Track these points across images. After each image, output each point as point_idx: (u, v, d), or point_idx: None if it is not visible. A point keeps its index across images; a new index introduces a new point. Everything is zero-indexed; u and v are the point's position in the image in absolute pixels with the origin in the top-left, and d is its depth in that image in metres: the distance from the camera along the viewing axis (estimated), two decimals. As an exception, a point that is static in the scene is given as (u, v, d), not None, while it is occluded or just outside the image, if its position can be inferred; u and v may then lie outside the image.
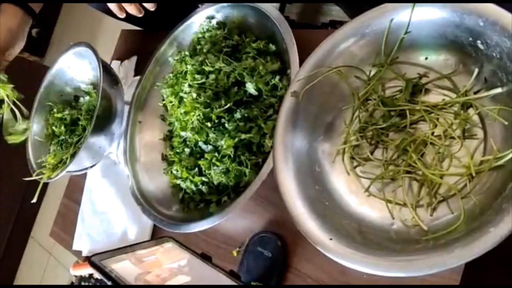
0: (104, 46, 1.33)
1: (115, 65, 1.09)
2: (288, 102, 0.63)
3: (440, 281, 0.52)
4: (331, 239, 0.52)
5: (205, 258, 0.61)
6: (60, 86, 1.01)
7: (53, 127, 0.97)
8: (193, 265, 0.60)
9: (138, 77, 0.95)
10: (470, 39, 0.51)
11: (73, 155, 0.87)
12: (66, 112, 0.97)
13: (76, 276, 2.11)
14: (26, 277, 2.34)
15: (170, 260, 0.61)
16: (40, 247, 2.31)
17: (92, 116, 0.83)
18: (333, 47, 0.61)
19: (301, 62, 0.65)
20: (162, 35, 0.90)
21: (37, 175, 0.92)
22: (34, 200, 0.91)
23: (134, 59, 1.06)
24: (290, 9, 1.49)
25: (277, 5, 1.42)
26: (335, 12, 1.27)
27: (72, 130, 0.96)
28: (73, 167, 0.86)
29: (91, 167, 0.93)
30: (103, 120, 0.84)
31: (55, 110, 0.98)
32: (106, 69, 0.86)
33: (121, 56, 1.11)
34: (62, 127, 0.96)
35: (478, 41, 0.50)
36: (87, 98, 0.96)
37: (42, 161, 0.93)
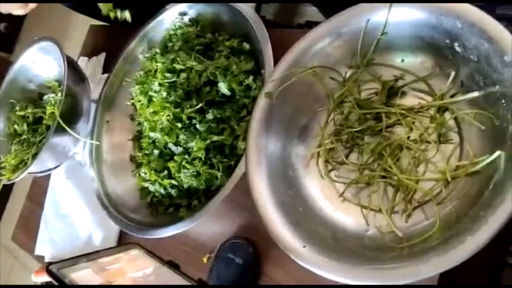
0: (74, 42, 1.28)
1: (82, 61, 1.04)
2: (262, 103, 0.60)
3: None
4: (304, 246, 0.50)
5: (173, 265, 0.58)
6: (23, 83, 0.96)
7: (15, 126, 0.92)
8: (159, 274, 0.57)
9: (106, 75, 0.91)
10: (447, 41, 0.50)
11: (34, 156, 0.82)
12: (29, 110, 0.92)
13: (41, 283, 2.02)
14: (-11, 282, 2.24)
15: (135, 268, 0.58)
16: (4, 251, 2.21)
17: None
18: (309, 47, 0.59)
19: (276, 62, 0.62)
20: (133, 32, 0.86)
21: (-4, 176, 0.87)
22: (-7, 203, 0.86)
23: (102, 56, 1.01)
24: (266, 9, 1.47)
25: (253, 4, 1.40)
26: (311, 12, 1.26)
27: (34, 129, 0.91)
28: (34, 168, 0.82)
29: (55, 168, 0.88)
30: (67, 119, 0.79)
31: (17, 107, 0.93)
32: (71, 65, 0.82)
33: (89, 52, 1.06)
34: (25, 126, 0.91)
35: (456, 43, 0.49)
36: (52, 95, 0.91)
37: (2, 162, 0.88)
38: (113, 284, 0.53)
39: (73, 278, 0.53)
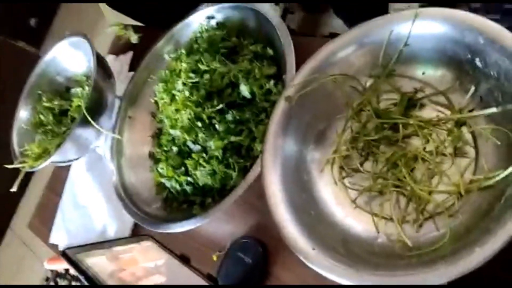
0: (102, 40, 1.32)
1: (110, 59, 1.07)
2: (281, 107, 0.61)
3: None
4: (314, 249, 0.51)
5: (183, 259, 0.59)
6: (51, 75, 0.99)
7: (41, 116, 0.95)
8: (170, 266, 0.58)
9: (132, 73, 0.94)
10: (469, 56, 0.50)
11: (58, 145, 0.85)
12: (56, 102, 0.95)
13: (51, 271, 2.06)
14: (1, 269, 2.28)
15: (147, 258, 0.59)
16: (17, 239, 2.26)
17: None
18: (331, 55, 0.60)
19: (298, 68, 0.64)
20: (160, 32, 0.89)
21: (20, 163, 0.89)
22: (14, 189, 0.88)
23: (129, 54, 1.04)
24: (290, 19, 1.49)
25: (279, 11, 1.43)
26: (336, 24, 1.27)
27: (59, 121, 0.94)
28: (57, 157, 0.84)
29: (76, 159, 0.91)
30: (92, 113, 0.82)
31: (44, 98, 0.97)
32: (100, 61, 0.85)
33: (117, 50, 1.10)
34: (50, 117, 0.94)
35: (477, 59, 0.49)
36: (79, 89, 0.94)
37: (26, 149, 0.91)
38: (125, 271, 0.55)
39: (88, 263, 0.55)
